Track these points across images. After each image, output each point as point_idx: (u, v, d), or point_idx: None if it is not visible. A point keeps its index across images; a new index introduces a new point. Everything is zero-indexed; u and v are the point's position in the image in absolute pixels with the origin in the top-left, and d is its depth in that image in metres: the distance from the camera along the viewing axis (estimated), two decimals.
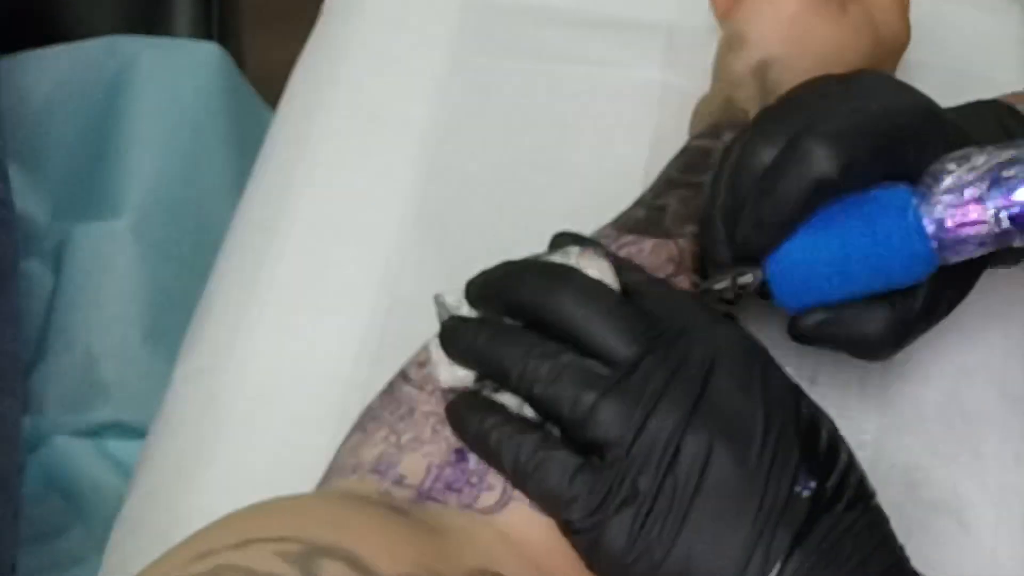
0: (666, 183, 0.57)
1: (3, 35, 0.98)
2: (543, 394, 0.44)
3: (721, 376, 0.44)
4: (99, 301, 0.92)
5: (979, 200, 0.47)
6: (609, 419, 0.43)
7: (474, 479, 0.46)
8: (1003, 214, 0.47)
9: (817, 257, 0.49)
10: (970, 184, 0.47)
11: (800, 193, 0.49)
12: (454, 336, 0.47)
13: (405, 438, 0.47)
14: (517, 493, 0.45)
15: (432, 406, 0.48)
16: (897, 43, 0.62)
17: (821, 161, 0.48)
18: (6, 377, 0.76)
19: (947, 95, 0.66)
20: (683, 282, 0.53)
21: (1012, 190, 0.47)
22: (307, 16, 0.75)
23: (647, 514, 0.42)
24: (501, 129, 0.67)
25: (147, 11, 1.02)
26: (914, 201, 0.48)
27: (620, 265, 0.48)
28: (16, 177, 0.90)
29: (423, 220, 0.65)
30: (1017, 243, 0.47)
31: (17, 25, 1.00)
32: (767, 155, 0.50)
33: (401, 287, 0.63)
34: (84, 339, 0.90)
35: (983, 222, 0.47)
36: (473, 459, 0.46)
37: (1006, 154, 0.47)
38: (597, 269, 0.46)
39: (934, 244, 0.48)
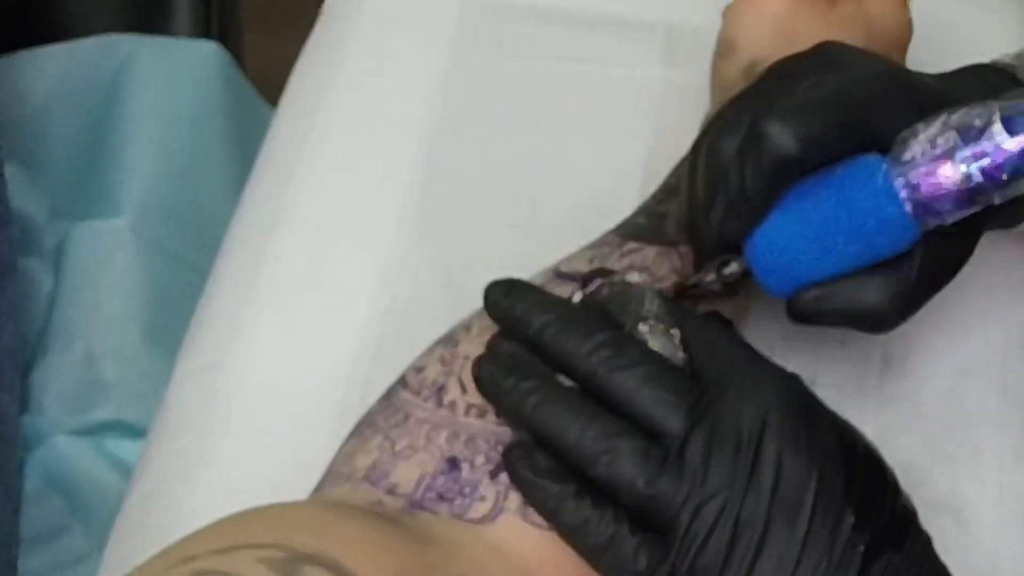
0: (666, 190, 0.57)
1: (2, 34, 0.98)
2: (602, 476, 0.44)
3: (771, 439, 0.44)
4: (99, 300, 0.92)
5: (949, 157, 0.45)
6: (666, 502, 0.43)
7: (466, 489, 0.46)
8: (974, 168, 0.45)
9: (793, 235, 0.48)
10: (939, 143, 0.45)
11: (764, 175, 0.48)
12: (497, 387, 0.47)
13: (399, 445, 0.47)
14: (509, 504, 0.45)
15: (427, 413, 0.48)
16: (896, 36, 0.61)
17: (779, 140, 0.47)
18: (5, 374, 0.76)
19: None
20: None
21: (981, 145, 0.45)
22: (307, 16, 0.75)
23: None
24: (501, 128, 0.67)
25: (146, 10, 1.02)
26: (884, 167, 0.47)
27: (669, 306, 0.47)
28: (15, 176, 0.90)
29: (423, 220, 0.65)
30: (996, 200, 0.46)
31: (16, 24, 1.00)
32: (731, 143, 0.49)
33: (401, 287, 0.63)
34: (84, 338, 0.90)
35: (955, 180, 0.45)
36: (466, 468, 0.46)
37: (974, 110, 0.45)
38: (661, 345, 0.46)
39: (909, 208, 0.46)
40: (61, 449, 0.87)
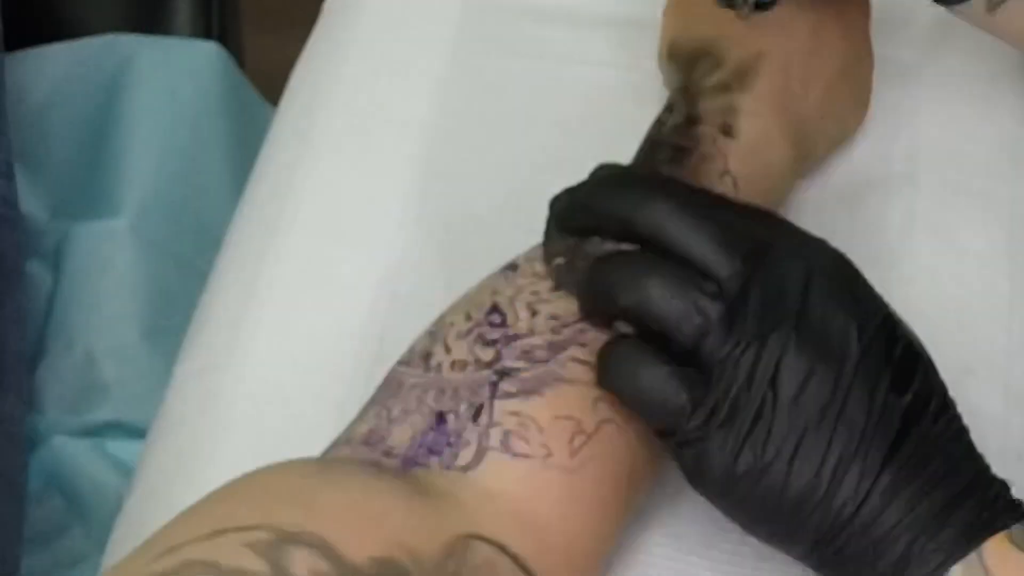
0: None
1: (2, 33, 0.98)
2: (653, 314, 0.46)
3: (816, 292, 0.46)
4: (99, 300, 0.92)
5: None
6: (718, 342, 0.45)
7: (452, 439, 0.47)
8: None
9: None
10: None
11: None
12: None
13: (395, 412, 0.48)
14: (491, 442, 0.46)
15: (416, 379, 0.49)
16: None
17: None
18: (10, 376, 0.76)
19: (947, 94, 0.66)
20: None
21: None
22: (307, 16, 0.75)
23: (748, 433, 0.45)
24: (501, 129, 0.67)
25: (147, 10, 1.02)
26: None
27: (692, 190, 0.50)
28: (15, 176, 0.90)
29: (423, 220, 0.65)
30: None
31: (16, 23, 1.00)
32: None
33: (401, 287, 0.63)
34: (84, 339, 0.90)
35: None
36: (451, 419, 0.47)
37: None
38: None
39: None
40: (61, 449, 0.87)
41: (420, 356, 0.50)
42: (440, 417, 0.47)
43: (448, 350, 0.50)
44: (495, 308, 0.50)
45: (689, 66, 0.59)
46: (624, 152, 0.66)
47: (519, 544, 0.44)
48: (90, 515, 0.85)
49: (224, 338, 0.63)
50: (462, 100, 0.68)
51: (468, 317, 0.51)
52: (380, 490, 0.44)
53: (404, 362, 0.51)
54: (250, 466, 0.58)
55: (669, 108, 0.58)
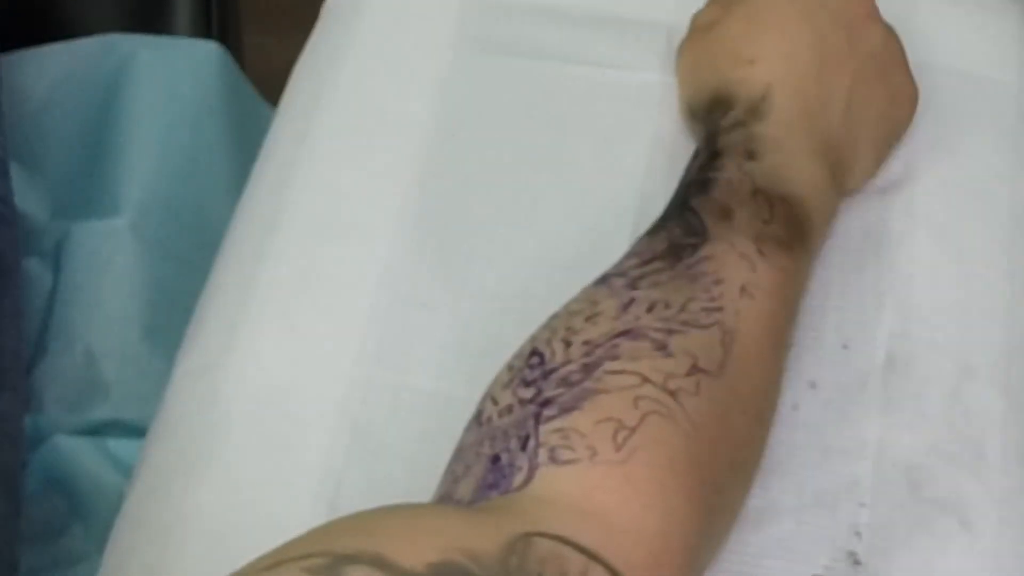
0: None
1: (1, 33, 0.98)
2: None
3: None
4: (98, 300, 0.92)
5: None
6: None
7: (507, 470, 0.48)
8: None
9: None
10: None
11: None
12: None
13: (458, 471, 0.50)
14: (540, 459, 0.47)
15: (472, 436, 0.50)
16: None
17: None
18: (9, 375, 0.76)
19: (947, 95, 0.66)
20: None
21: None
22: (307, 16, 0.75)
23: None
24: (501, 128, 0.67)
25: (146, 9, 1.02)
26: None
27: None
28: (15, 176, 0.90)
29: (423, 219, 0.65)
30: None
31: (15, 23, 1.00)
32: None
33: (401, 287, 0.63)
34: (84, 338, 0.90)
35: None
36: (504, 457, 0.48)
37: None
38: None
39: None
40: (61, 449, 0.87)
41: (474, 419, 0.51)
42: (495, 458, 0.48)
43: (495, 402, 0.51)
44: (534, 352, 0.52)
45: (708, 117, 0.61)
46: (623, 152, 0.66)
47: (582, 535, 0.44)
48: (90, 515, 0.85)
49: (224, 336, 0.63)
50: (462, 100, 0.68)
51: (510, 368, 0.52)
52: (438, 511, 0.46)
53: (464, 431, 0.52)
54: (250, 465, 0.59)
55: (696, 154, 0.60)
